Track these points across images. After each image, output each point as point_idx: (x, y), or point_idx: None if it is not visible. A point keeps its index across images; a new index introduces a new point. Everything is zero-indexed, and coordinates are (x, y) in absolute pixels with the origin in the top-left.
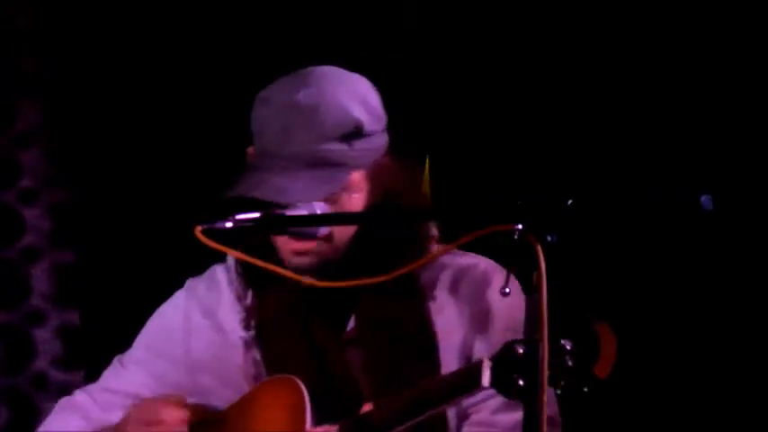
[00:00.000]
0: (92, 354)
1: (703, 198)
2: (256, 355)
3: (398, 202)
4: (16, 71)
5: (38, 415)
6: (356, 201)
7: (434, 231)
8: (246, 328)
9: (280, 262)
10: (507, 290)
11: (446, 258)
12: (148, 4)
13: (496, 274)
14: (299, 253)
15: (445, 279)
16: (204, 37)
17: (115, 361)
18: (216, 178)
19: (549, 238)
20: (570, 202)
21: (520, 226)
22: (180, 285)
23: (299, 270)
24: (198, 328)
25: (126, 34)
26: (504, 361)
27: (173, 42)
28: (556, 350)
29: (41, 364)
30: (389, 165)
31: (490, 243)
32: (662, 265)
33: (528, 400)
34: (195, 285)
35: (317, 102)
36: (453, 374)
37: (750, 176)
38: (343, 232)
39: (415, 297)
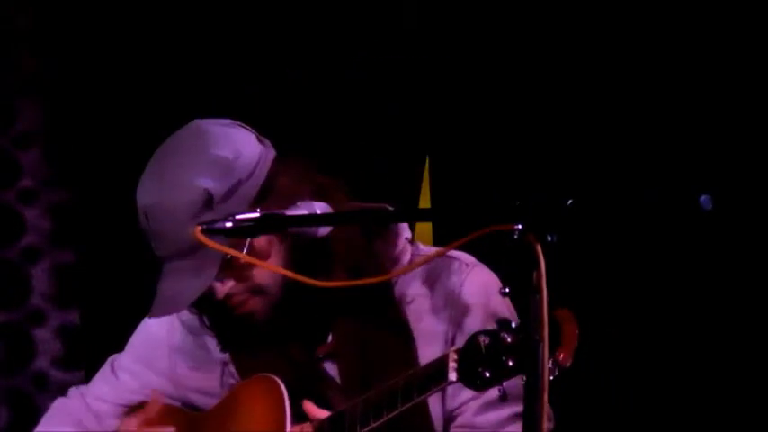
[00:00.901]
0: (92, 354)
1: (703, 198)
2: (233, 370)
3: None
4: (16, 71)
5: (38, 415)
6: (260, 241)
7: (407, 233)
8: (223, 349)
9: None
10: (507, 290)
11: (420, 259)
12: (148, 5)
13: (471, 270)
14: (246, 316)
15: (421, 282)
16: (204, 37)
17: (108, 364)
18: None
19: (548, 238)
20: (570, 202)
21: (520, 226)
22: None
23: (252, 317)
24: (181, 343)
25: (126, 34)
26: (470, 354)
27: (173, 42)
28: (520, 341)
29: (41, 364)
30: (279, 183)
31: (490, 243)
32: (661, 264)
33: (528, 398)
34: None
35: (162, 196)
36: (420, 369)
37: (750, 176)
38: (271, 279)
39: (392, 307)
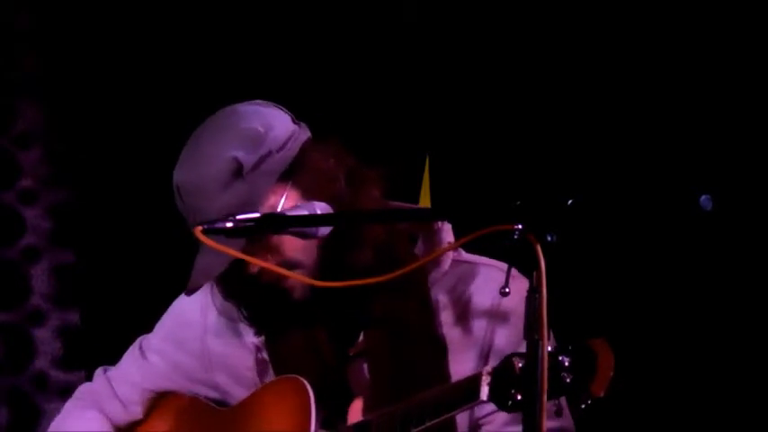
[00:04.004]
0: (92, 354)
1: (703, 198)
2: (266, 357)
3: (338, 191)
4: (16, 71)
5: (38, 415)
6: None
7: (450, 237)
8: (257, 334)
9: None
10: (507, 289)
11: (460, 267)
12: (149, 5)
13: (512, 280)
14: (290, 290)
15: (457, 288)
16: (205, 37)
17: (136, 345)
18: None
19: (548, 238)
20: (570, 201)
21: (520, 226)
22: (180, 285)
23: (289, 295)
24: (214, 326)
25: (126, 35)
26: (503, 375)
27: (173, 42)
28: (553, 366)
29: (41, 364)
30: (312, 159)
31: (490, 243)
32: (662, 264)
33: (528, 411)
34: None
35: (193, 170)
36: (452, 386)
37: (750, 176)
38: (303, 253)
39: (426, 310)
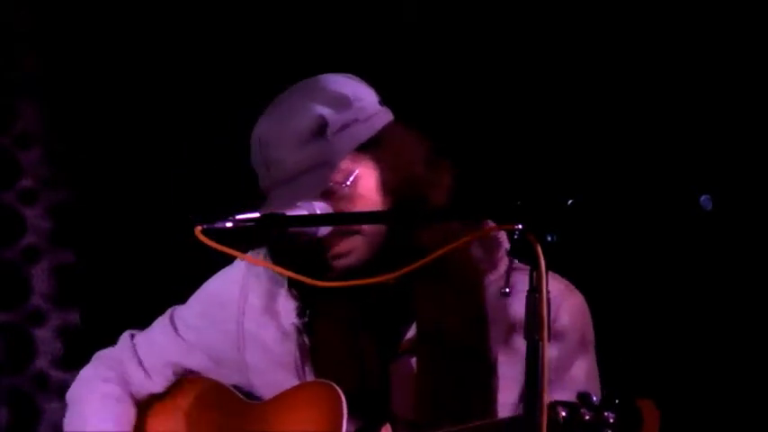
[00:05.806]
0: (92, 354)
1: (703, 198)
2: (305, 342)
3: (416, 174)
4: (16, 71)
5: (38, 415)
6: (365, 185)
7: (507, 244)
8: (300, 315)
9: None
10: (507, 290)
11: (514, 274)
12: (149, 5)
13: (570, 294)
14: (341, 255)
15: (515, 295)
16: (204, 37)
17: (166, 315)
18: (215, 178)
19: (548, 238)
20: (570, 201)
21: (520, 226)
22: (180, 284)
23: (343, 273)
24: (252, 307)
25: (126, 34)
26: (551, 422)
27: (173, 42)
28: (598, 421)
29: (42, 363)
30: (394, 138)
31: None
32: (662, 265)
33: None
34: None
35: (278, 121)
36: (495, 423)
37: (750, 176)
38: (374, 229)
39: (480, 313)
